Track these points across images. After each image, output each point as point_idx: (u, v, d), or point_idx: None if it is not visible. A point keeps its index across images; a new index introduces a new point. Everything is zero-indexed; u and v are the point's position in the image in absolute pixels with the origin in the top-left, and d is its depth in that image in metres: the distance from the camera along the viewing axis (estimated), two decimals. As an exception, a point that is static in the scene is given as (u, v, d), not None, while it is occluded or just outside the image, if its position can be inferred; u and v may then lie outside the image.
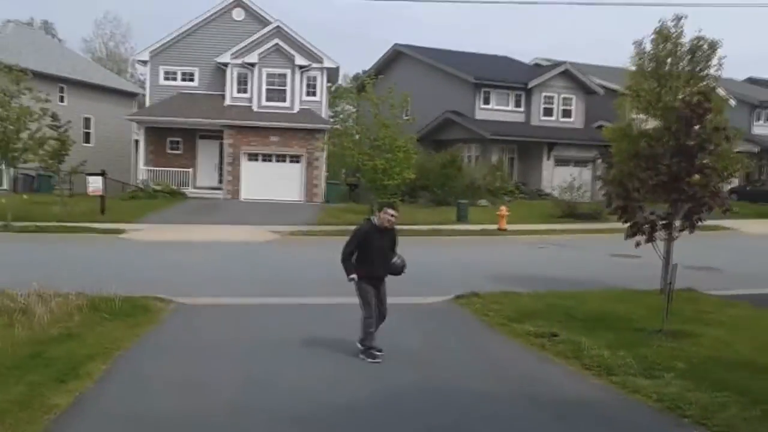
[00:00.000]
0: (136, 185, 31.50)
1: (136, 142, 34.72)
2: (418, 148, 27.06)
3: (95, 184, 24.85)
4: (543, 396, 6.95)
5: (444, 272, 15.29)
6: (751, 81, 49.53)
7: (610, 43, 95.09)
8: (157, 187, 30.20)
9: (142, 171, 31.65)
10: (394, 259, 8.12)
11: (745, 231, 26.00)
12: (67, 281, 11.01)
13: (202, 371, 7.53)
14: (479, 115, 36.09)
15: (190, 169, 32.06)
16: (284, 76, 31.84)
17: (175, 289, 12.00)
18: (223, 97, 32.32)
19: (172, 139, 32.64)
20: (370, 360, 7.99)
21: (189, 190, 31.20)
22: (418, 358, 8.12)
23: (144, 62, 33.54)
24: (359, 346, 8.14)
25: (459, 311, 11.26)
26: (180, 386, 6.95)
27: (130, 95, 39.40)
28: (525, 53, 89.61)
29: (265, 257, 18.14)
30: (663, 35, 13.20)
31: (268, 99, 31.88)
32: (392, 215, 8.01)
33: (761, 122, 42.91)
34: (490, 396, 6.96)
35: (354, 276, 8.01)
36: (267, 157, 31.66)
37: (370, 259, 8.00)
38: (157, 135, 32.24)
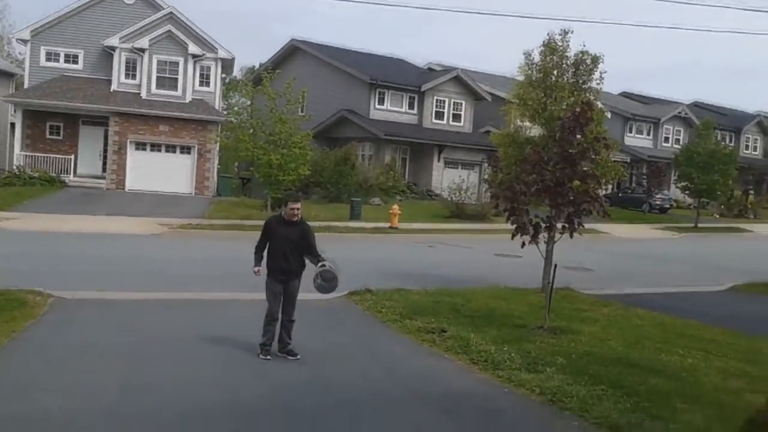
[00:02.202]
0: (11, 171, 29.47)
1: (12, 125, 32.51)
2: (313, 145, 27.03)
3: (-35, 168, 23.06)
4: (432, 390, 7.18)
5: (342, 266, 15.36)
6: (625, 95, 53.00)
7: (499, 52, 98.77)
8: (35, 174, 28.41)
9: (18, 156, 29.66)
10: (325, 265, 7.76)
11: (617, 234, 27.83)
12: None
13: (82, 372, 7.16)
14: (374, 114, 36.51)
15: (72, 156, 30.35)
16: (176, 64, 30.85)
17: (53, 283, 11.35)
18: (109, 82, 30.85)
19: (53, 123, 30.81)
20: (262, 356, 7.94)
21: (70, 179, 29.55)
22: (310, 355, 8.09)
23: (24, 41, 31.43)
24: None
25: (352, 307, 11.36)
26: (58, 388, 6.58)
27: (6, 74, 36.72)
28: (418, 56, 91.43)
29: (152, 250, 17.54)
30: (551, 48, 13.93)
31: (158, 86, 30.77)
32: (293, 208, 7.97)
33: (633, 134, 46.00)
34: (380, 391, 7.11)
35: (256, 269, 7.94)
36: (156, 147, 30.55)
37: (277, 251, 7.90)
38: (35, 119, 30.33)
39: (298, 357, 7.98)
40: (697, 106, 53.30)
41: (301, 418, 6.15)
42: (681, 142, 45.51)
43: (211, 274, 14.21)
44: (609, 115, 32.56)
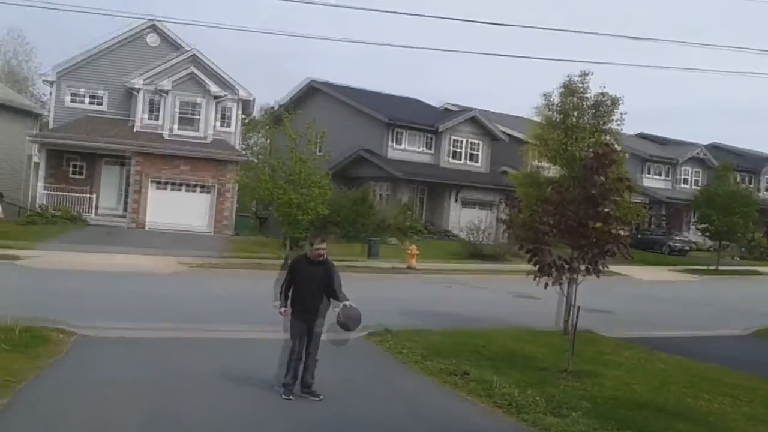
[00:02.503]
0: (34, 209, 29.89)
1: (35, 164, 33.08)
2: (331, 184, 27.26)
3: (-8, 206, 23.43)
4: (458, 433, 7.13)
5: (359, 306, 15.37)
6: (642, 136, 53.05)
7: (513, 92, 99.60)
8: (56, 212, 28.77)
9: (41, 195, 30.10)
10: (348, 303, 7.75)
11: (636, 277, 27.58)
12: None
13: (107, 409, 7.18)
14: (391, 154, 36.79)
15: (93, 195, 30.77)
16: (198, 104, 31.41)
17: (76, 320, 11.43)
18: (131, 121, 31.42)
19: (75, 162, 31.34)
20: (283, 396, 7.92)
21: (90, 216, 29.90)
22: (332, 394, 8.04)
23: (50, 82, 32.20)
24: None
25: (372, 348, 11.32)
26: (84, 425, 6.62)
27: (29, 114, 37.52)
28: (431, 96, 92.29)
29: (172, 288, 17.63)
30: (570, 89, 14.07)
31: (179, 126, 31.28)
32: (319, 248, 8.02)
33: (651, 175, 45.92)
34: (405, 432, 7.07)
35: (283, 309, 7.94)
36: (176, 185, 30.91)
37: (302, 291, 7.92)
38: (58, 158, 30.88)
39: (321, 398, 7.95)
40: (716, 148, 53.16)
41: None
42: (699, 184, 45.36)
43: (232, 311, 14.24)
44: (627, 156, 32.61)
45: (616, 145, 10.85)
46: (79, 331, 10.94)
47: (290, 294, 8.06)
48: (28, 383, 7.90)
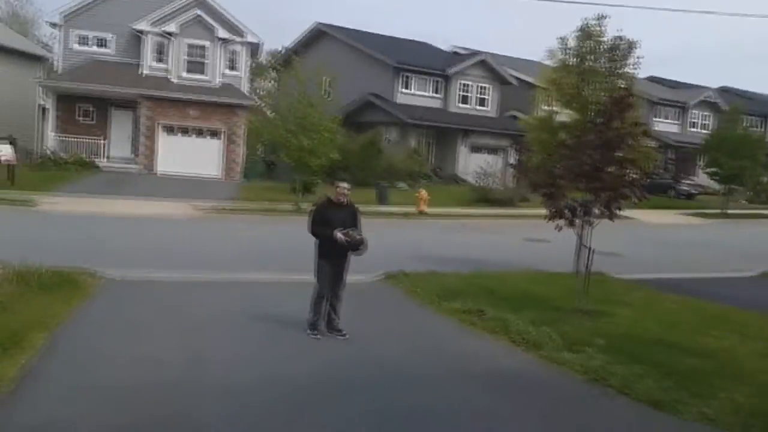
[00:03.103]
0: (45, 154, 30.06)
1: (43, 108, 33.07)
2: (340, 129, 27.26)
3: (6, 151, 23.61)
4: (479, 369, 7.45)
5: (369, 252, 15.66)
6: (652, 79, 52.43)
7: (522, 36, 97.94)
8: (68, 158, 28.94)
9: (51, 139, 30.23)
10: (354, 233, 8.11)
11: (644, 220, 27.76)
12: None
13: (146, 346, 7.52)
14: (399, 99, 36.61)
15: (103, 140, 30.89)
16: (205, 48, 31.15)
17: (100, 263, 11.74)
18: (139, 66, 31.25)
19: (84, 107, 31.29)
20: (309, 332, 8.23)
21: (101, 162, 30.08)
22: (354, 334, 8.33)
23: (55, 25, 31.89)
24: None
25: (389, 289, 11.65)
26: (129, 360, 6.95)
27: (35, 58, 37.23)
28: (442, 40, 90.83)
29: (189, 232, 17.96)
30: (586, 33, 13.98)
31: (187, 71, 31.10)
32: (344, 188, 8.23)
33: (660, 119, 45.63)
34: (427, 369, 7.38)
35: (339, 235, 7.96)
36: (185, 131, 30.95)
37: (329, 236, 8.09)
38: (67, 102, 30.83)
39: (347, 335, 8.27)
40: (726, 91, 52.61)
41: (358, 390, 6.43)
42: (709, 128, 45.09)
43: (249, 255, 14.56)
44: (642, 100, 32.38)
45: (633, 91, 10.87)
46: (105, 274, 11.27)
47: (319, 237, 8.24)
48: (63, 322, 8.25)
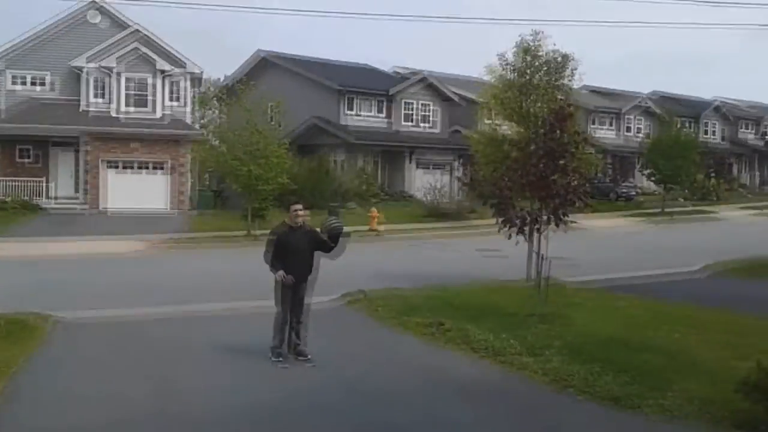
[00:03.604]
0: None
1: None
2: (288, 154, 27.29)
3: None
4: (445, 378, 7.62)
5: (324, 273, 15.70)
6: (587, 88, 54.08)
7: (461, 55, 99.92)
8: (11, 201, 28.09)
9: (-7, 184, 29.30)
10: (332, 222, 8.14)
11: (590, 224, 28.48)
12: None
13: (109, 384, 7.41)
14: (344, 120, 36.86)
15: (46, 181, 30.09)
16: (145, 81, 30.80)
17: (52, 306, 11.40)
18: (79, 103, 30.67)
19: (23, 147, 30.50)
20: (274, 359, 8.21)
21: (44, 202, 29.28)
22: (318, 357, 8.32)
23: (-9, 69, 31.07)
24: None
25: (349, 310, 11.72)
26: (92, 399, 6.84)
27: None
28: (382, 62, 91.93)
29: (140, 268, 17.67)
30: (524, 48, 14.49)
31: (128, 105, 30.63)
32: (298, 210, 8.23)
33: (597, 126, 47.06)
34: (395, 385, 7.49)
35: (281, 273, 8.01)
36: (130, 166, 30.45)
37: (289, 260, 8.11)
38: (7, 145, 30.01)
39: (309, 357, 8.29)
40: (658, 96, 54.71)
41: (332, 412, 6.50)
42: (643, 132, 46.75)
43: (204, 286, 14.42)
44: (580, 110, 33.41)
45: (571, 101, 11.32)
46: (58, 317, 10.99)
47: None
48: (19, 367, 8.04)
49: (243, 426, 6.15)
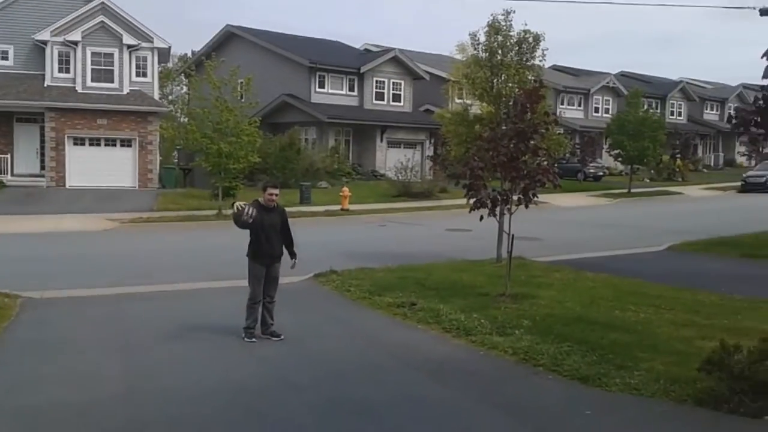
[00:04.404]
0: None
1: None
2: (258, 131, 27.05)
3: None
4: (414, 358, 7.69)
5: (298, 252, 15.69)
6: (555, 68, 54.42)
7: (431, 31, 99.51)
8: (-32, 176, 27.49)
9: (-52, 158, 28.58)
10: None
11: (558, 204, 28.95)
12: None
13: (81, 363, 7.38)
14: (315, 98, 36.61)
15: (7, 156, 29.43)
16: (111, 55, 30.16)
17: (17, 284, 11.27)
18: (43, 77, 29.96)
19: (-16, 122, 29.75)
20: (247, 339, 8.26)
21: (7, 178, 28.68)
22: (290, 336, 8.40)
23: (-50, 39, 30.15)
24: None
25: (320, 289, 11.75)
26: (65, 380, 6.78)
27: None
28: (353, 38, 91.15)
29: (107, 246, 17.47)
30: (495, 28, 14.49)
31: (94, 80, 30.04)
32: (272, 194, 8.29)
33: (565, 106, 47.46)
34: (367, 362, 7.57)
35: (249, 211, 7.99)
36: (95, 142, 29.93)
37: (261, 237, 8.21)
38: (-35, 118, 29.25)
39: (282, 337, 8.35)
40: (624, 76, 55.28)
41: (302, 390, 6.54)
42: (610, 111, 47.30)
43: (173, 265, 14.33)
44: (550, 90, 33.58)
45: (542, 82, 11.37)
46: (23, 294, 10.84)
47: (250, 240, 8.32)
48: (-13, 348, 7.94)
49: (216, 403, 6.16)
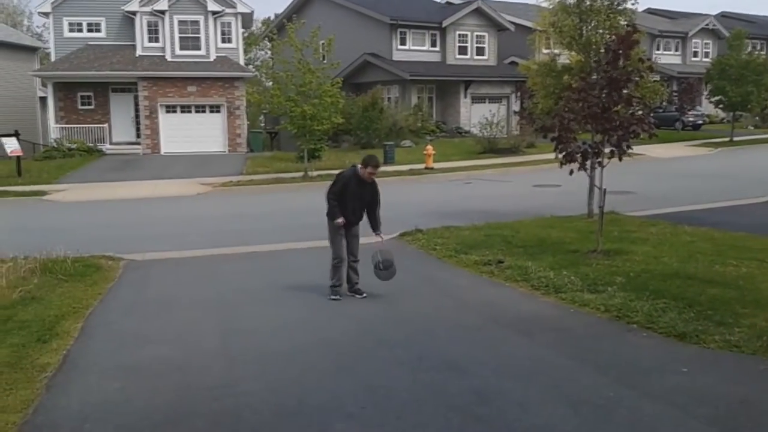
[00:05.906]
0: (50, 144, 30.17)
1: (43, 99, 33.05)
2: (341, 92, 27.12)
3: (12, 144, 23.70)
4: (504, 315, 7.59)
5: (384, 211, 15.75)
6: (650, 11, 51.61)
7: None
8: (72, 145, 29.04)
9: (54, 129, 30.28)
10: (381, 257, 8.46)
11: (653, 155, 27.73)
12: (8, 246, 10.89)
13: (180, 322, 7.70)
14: (397, 56, 36.25)
15: (106, 125, 30.91)
16: (197, 23, 30.88)
17: (118, 248, 11.91)
18: (134, 47, 31.07)
19: (83, 94, 31.23)
20: (332, 297, 8.40)
21: (106, 147, 30.18)
22: (377, 294, 8.46)
23: (45, 14, 31.67)
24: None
25: (406, 247, 11.74)
26: (165, 339, 7.09)
27: (29, 49, 37.10)
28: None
29: (202, 209, 18.10)
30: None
31: (182, 48, 30.90)
32: (372, 173, 8.36)
33: (661, 51, 45.05)
34: (457, 320, 7.52)
35: (341, 220, 8.32)
36: (186, 109, 30.92)
37: (347, 205, 8.33)
38: (66, 90, 30.79)
39: (365, 295, 8.44)
40: (725, 17, 51.78)
41: (392, 346, 6.58)
42: (710, 56, 44.49)
43: (266, 227, 14.69)
44: (645, 35, 31.92)
45: (635, 27, 10.70)
46: (127, 257, 11.45)
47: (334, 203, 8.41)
48: (94, 308, 8.42)
49: (308, 358, 6.30)
